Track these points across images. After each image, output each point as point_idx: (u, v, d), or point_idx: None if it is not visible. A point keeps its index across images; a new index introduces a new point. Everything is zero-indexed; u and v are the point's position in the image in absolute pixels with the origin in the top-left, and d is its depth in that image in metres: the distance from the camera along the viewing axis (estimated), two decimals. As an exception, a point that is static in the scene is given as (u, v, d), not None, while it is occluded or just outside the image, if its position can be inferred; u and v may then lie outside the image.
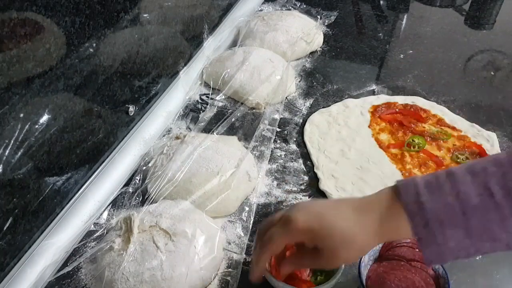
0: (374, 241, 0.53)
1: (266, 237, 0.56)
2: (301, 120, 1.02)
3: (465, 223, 0.47)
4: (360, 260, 0.65)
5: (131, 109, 0.92)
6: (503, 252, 0.75)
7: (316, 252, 0.54)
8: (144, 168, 0.87)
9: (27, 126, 0.65)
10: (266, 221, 0.60)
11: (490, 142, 0.95)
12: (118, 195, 0.83)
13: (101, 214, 0.80)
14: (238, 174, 0.82)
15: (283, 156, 0.93)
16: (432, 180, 0.49)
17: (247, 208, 0.82)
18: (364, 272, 0.65)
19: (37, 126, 0.67)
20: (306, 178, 0.88)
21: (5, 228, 0.65)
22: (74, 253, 0.74)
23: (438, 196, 0.48)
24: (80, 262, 0.71)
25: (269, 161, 0.91)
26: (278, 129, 0.99)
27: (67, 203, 0.79)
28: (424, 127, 0.99)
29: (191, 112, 1.04)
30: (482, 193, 0.47)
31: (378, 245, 0.68)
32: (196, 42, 1.16)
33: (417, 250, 0.66)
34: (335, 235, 0.51)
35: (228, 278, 0.70)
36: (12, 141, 0.63)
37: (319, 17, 1.35)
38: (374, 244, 0.54)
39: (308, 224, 0.52)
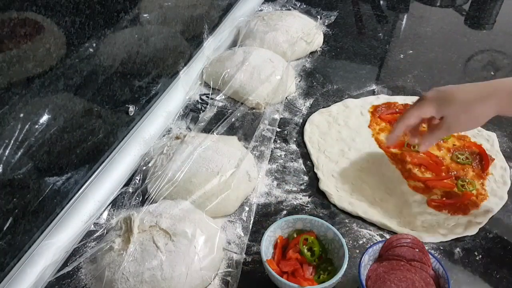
0: (491, 111, 0.67)
1: (405, 112, 0.74)
2: (301, 120, 1.02)
3: None
4: (360, 260, 0.65)
5: (131, 109, 0.92)
6: (503, 252, 0.76)
7: (441, 123, 0.70)
8: (144, 168, 0.87)
9: (27, 126, 0.65)
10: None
11: (490, 142, 0.95)
12: (118, 195, 0.83)
13: (101, 214, 0.80)
14: (238, 174, 0.82)
15: (283, 156, 0.93)
16: None
17: (247, 208, 0.82)
18: (364, 272, 0.65)
19: (37, 126, 0.67)
20: (306, 178, 0.88)
21: (5, 228, 0.65)
22: (74, 253, 0.74)
23: None
24: (80, 262, 0.71)
25: (269, 161, 0.91)
26: (278, 129, 0.99)
27: (67, 203, 0.79)
28: (424, 127, 0.99)
29: (191, 112, 1.04)
30: None
31: (378, 245, 0.68)
32: (196, 42, 1.16)
33: (417, 250, 0.66)
34: (457, 101, 0.66)
35: (228, 278, 0.70)
36: (12, 141, 0.63)
37: (319, 17, 1.35)
38: (491, 114, 0.68)
39: (436, 95, 0.70)
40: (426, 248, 0.67)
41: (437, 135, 0.73)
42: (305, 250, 0.69)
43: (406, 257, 0.66)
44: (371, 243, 0.72)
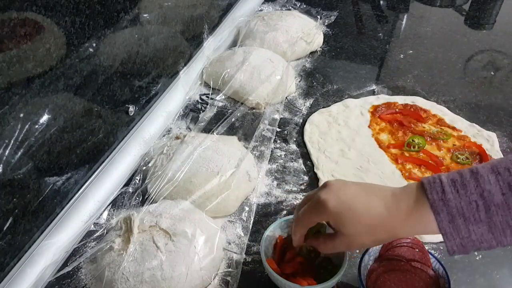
0: (400, 233, 0.58)
1: (300, 213, 0.62)
2: (301, 120, 1.02)
3: (489, 219, 0.50)
4: (360, 260, 0.65)
5: (131, 109, 0.92)
6: (503, 252, 0.76)
7: (335, 236, 0.60)
8: (144, 168, 0.87)
9: (27, 126, 0.65)
10: (304, 197, 0.65)
11: (490, 142, 0.95)
12: (118, 195, 0.83)
13: (101, 214, 0.80)
14: (238, 174, 0.82)
15: (283, 156, 0.93)
16: (457, 178, 0.52)
17: (247, 208, 0.82)
18: (364, 272, 0.65)
19: (37, 126, 0.67)
20: (306, 178, 0.88)
21: (5, 228, 0.65)
22: (74, 253, 0.74)
23: (463, 194, 0.51)
24: (80, 262, 0.71)
25: (269, 161, 0.91)
26: (278, 129, 0.99)
27: (67, 203, 0.79)
28: (424, 127, 0.99)
29: (191, 112, 1.04)
30: (505, 192, 0.49)
31: (378, 245, 0.68)
32: (196, 42, 1.16)
33: (417, 250, 0.66)
34: (363, 224, 0.56)
35: (228, 278, 0.70)
36: (12, 141, 0.63)
37: (319, 17, 1.35)
38: (400, 235, 0.60)
39: (338, 210, 0.57)
40: (426, 248, 0.67)
41: (330, 248, 0.62)
42: (303, 254, 0.69)
43: (406, 257, 0.66)
44: (371, 243, 0.72)
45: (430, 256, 0.66)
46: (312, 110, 1.05)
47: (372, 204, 0.56)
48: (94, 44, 0.76)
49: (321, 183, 0.86)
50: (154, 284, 0.65)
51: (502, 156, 0.92)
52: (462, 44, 1.32)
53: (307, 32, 1.23)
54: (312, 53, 1.26)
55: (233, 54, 1.13)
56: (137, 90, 0.93)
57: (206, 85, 1.12)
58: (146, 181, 0.83)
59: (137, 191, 0.83)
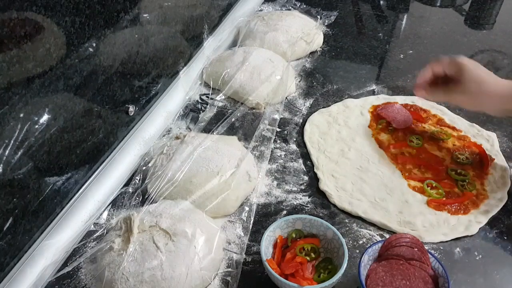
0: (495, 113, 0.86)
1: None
2: (301, 120, 1.02)
3: None
4: (360, 260, 0.65)
5: (131, 109, 0.92)
6: (503, 252, 0.76)
7: (457, 88, 0.83)
8: (144, 168, 0.87)
9: (27, 126, 0.65)
10: None
11: (490, 142, 0.95)
12: (118, 195, 0.83)
13: (101, 214, 0.80)
14: (238, 174, 0.82)
15: (283, 156, 0.93)
16: None
17: (247, 208, 0.82)
18: (364, 272, 0.65)
19: (37, 126, 0.67)
20: (306, 178, 0.88)
21: (5, 228, 0.65)
22: (74, 253, 0.74)
23: None
24: (80, 262, 0.71)
25: (269, 161, 0.91)
26: (278, 129, 0.99)
27: (67, 203, 0.79)
28: (424, 127, 0.99)
29: (191, 112, 1.04)
30: None
31: (377, 245, 0.68)
32: (196, 42, 1.16)
33: (416, 249, 0.66)
34: (478, 80, 0.81)
35: (228, 278, 0.70)
36: (12, 141, 0.63)
37: (319, 17, 1.35)
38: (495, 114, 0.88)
39: (465, 61, 0.83)
40: (426, 248, 0.67)
41: (442, 95, 0.86)
42: (303, 255, 0.69)
43: (405, 257, 0.66)
44: (371, 243, 0.72)
45: (430, 256, 0.66)
46: (312, 110, 1.05)
47: (499, 86, 0.80)
48: (94, 44, 0.76)
49: (321, 183, 0.86)
50: (154, 284, 0.65)
51: (502, 156, 0.92)
52: (462, 44, 1.32)
53: (307, 32, 1.23)
54: (312, 53, 1.26)
55: (233, 54, 1.13)
56: (137, 90, 0.93)
57: (206, 85, 1.12)
58: (146, 181, 0.83)
59: (137, 191, 0.83)
